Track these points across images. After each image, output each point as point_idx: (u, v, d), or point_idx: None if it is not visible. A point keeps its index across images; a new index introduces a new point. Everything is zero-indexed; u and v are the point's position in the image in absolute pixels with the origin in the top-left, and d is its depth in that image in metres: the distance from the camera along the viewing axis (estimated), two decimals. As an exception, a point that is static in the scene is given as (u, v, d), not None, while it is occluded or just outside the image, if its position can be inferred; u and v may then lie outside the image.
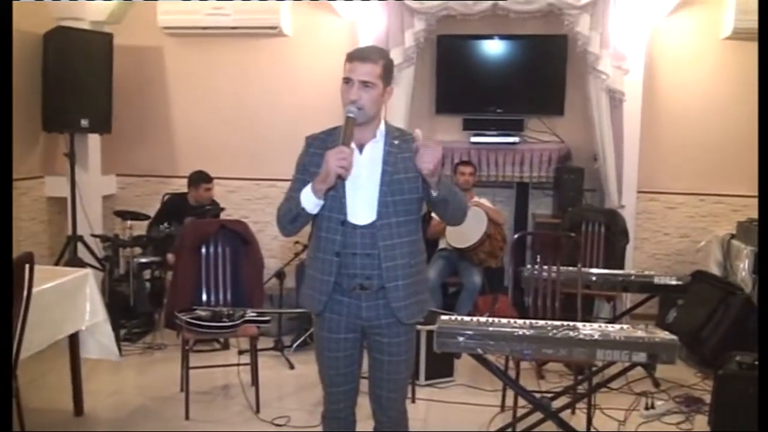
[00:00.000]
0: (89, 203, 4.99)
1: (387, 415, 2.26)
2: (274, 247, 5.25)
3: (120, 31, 5.02)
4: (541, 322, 2.42)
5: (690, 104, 4.86)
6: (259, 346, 3.59)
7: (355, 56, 2.05)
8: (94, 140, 5.12)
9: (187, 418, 3.32)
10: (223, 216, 4.64)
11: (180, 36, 5.24)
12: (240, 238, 3.72)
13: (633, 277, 3.65)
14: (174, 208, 4.70)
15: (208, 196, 4.72)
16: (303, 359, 4.06)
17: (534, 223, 5.00)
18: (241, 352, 3.97)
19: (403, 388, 2.30)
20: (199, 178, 4.69)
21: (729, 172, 4.86)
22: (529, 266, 3.56)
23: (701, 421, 3.31)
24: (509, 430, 2.95)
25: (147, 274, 4.69)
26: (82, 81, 4.67)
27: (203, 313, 3.38)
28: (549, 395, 2.90)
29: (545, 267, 3.43)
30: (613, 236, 4.45)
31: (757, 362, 2.91)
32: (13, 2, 3.03)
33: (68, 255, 4.74)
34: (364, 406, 2.31)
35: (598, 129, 4.65)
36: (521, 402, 3.16)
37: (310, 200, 2.04)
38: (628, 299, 4.55)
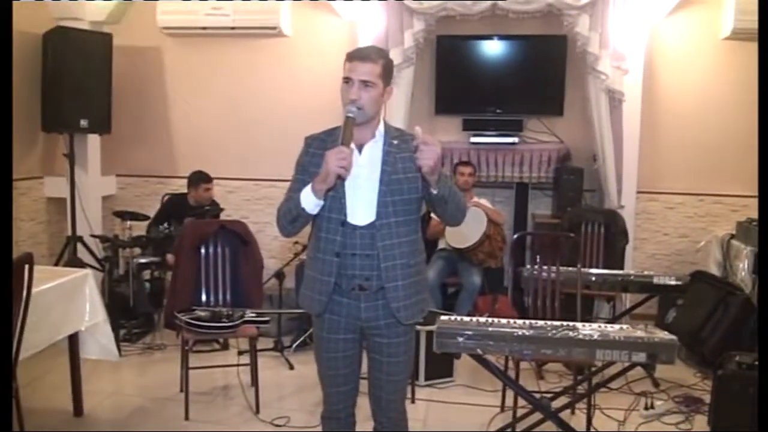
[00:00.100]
0: (89, 204, 4.99)
1: (386, 416, 2.26)
2: (274, 248, 5.25)
3: (119, 31, 5.03)
4: (541, 323, 2.42)
5: (689, 104, 4.87)
6: (258, 347, 3.58)
7: (355, 56, 2.05)
8: (93, 140, 5.12)
9: (186, 418, 3.32)
10: (222, 216, 4.65)
11: (179, 36, 5.24)
12: (239, 238, 3.72)
13: (632, 277, 3.65)
14: (174, 208, 4.70)
15: (207, 196, 4.72)
16: (302, 360, 4.06)
17: (533, 224, 5.00)
18: (240, 353, 3.97)
19: (402, 388, 2.30)
20: (199, 178, 4.69)
21: (728, 172, 4.86)
22: (528, 266, 3.55)
23: (701, 421, 3.31)
24: (509, 430, 2.95)
25: (146, 274, 4.69)
26: (82, 81, 4.67)
27: (203, 314, 3.38)
28: (549, 395, 2.91)
29: (545, 267, 3.43)
30: (612, 236, 4.46)
31: (756, 362, 2.91)
32: (13, 2, 3.04)
33: (68, 255, 4.74)
34: (363, 407, 2.32)
35: (597, 129, 4.65)
36: (521, 402, 3.16)
37: (309, 201, 2.04)
38: (627, 299, 4.55)
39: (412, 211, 2.12)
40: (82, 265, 4.43)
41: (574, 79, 4.83)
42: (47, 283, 2.96)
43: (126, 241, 4.48)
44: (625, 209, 4.69)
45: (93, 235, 4.84)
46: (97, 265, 4.67)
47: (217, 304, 3.62)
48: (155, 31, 5.15)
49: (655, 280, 3.61)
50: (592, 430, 3.12)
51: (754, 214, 4.12)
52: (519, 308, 4.19)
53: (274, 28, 4.97)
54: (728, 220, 4.80)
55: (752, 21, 3.95)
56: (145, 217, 4.73)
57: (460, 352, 2.39)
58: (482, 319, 2.43)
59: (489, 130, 4.97)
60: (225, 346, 4.32)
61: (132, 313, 4.48)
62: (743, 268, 4.26)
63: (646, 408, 3.44)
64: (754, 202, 4.14)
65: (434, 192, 2.03)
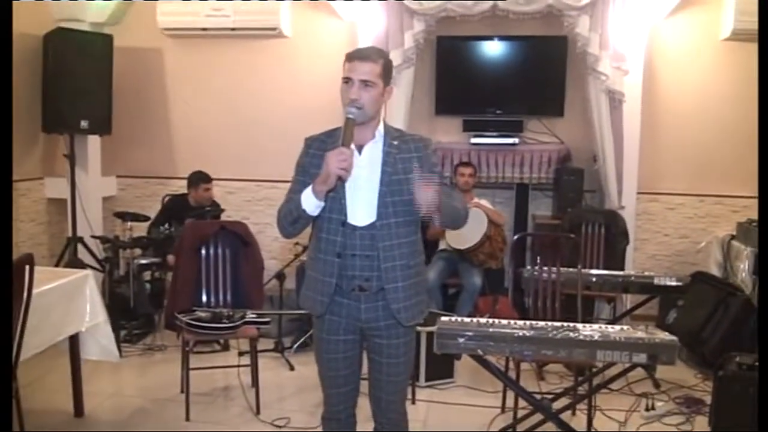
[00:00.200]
0: (89, 204, 5.00)
1: (387, 417, 2.26)
2: (274, 249, 5.25)
3: (120, 32, 5.03)
4: (542, 323, 2.42)
5: (689, 105, 4.86)
6: (259, 348, 3.59)
7: (355, 56, 2.06)
8: (93, 141, 5.13)
9: (187, 419, 3.32)
10: (223, 217, 4.64)
11: (180, 37, 5.24)
12: (240, 239, 3.72)
13: (633, 278, 3.65)
14: (174, 209, 4.70)
15: (207, 197, 4.72)
16: (303, 360, 4.06)
17: (534, 224, 4.99)
18: (241, 354, 3.97)
19: (402, 389, 2.29)
20: (198, 179, 4.69)
21: (729, 172, 4.86)
22: (529, 267, 3.55)
23: (702, 422, 3.31)
24: (509, 431, 2.95)
25: (147, 275, 4.69)
26: (82, 82, 4.68)
27: (203, 315, 3.37)
28: (549, 396, 2.91)
29: (545, 268, 3.43)
30: (613, 237, 4.46)
31: (757, 363, 2.91)
32: (14, 3, 3.04)
33: (68, 256, 4.75)
34: (364, 408, 2.31)
35: (597, 130, 4.65)
36: (522, 403, 3.16)
37: (310, 202, 2.04)
38: (628, 300, 4.54)
39: (412, 212, 2.11)
40: (82, 266, 4.43)
41: (574, 79, 4.83)
42: (48, 284, 2.96)
43: (126, 241, 4.48)
44: (625, 210, 4.69)
45: (93, 236, 4.84)
46: (97, 266, 4.68)
47: (217, 305, 3.61)
48: (155, 32, 5.15)
49: (656, 281, 3.60)
50: (592, 431, 3.12)
51: (755, 214, 4.11)
52: (519, 309, 4.19)
53: (274, 29, 4.97)
54: (729, 221, 4.79)
55: (752, 22, 3.95)
56: (146, 218, 4.73)
57: (461, 353, 2.39)
58: (483, 320, 2.43)
59: (489, 130, 4.97)
60: (225, 347, 4.32)
61: (132, 314, 4.48)
62: (744, 269, 4.26)
63: (646, 409, 3.44)
64: (755, 202, 4.13)
65: (437, 223, 2.08)
